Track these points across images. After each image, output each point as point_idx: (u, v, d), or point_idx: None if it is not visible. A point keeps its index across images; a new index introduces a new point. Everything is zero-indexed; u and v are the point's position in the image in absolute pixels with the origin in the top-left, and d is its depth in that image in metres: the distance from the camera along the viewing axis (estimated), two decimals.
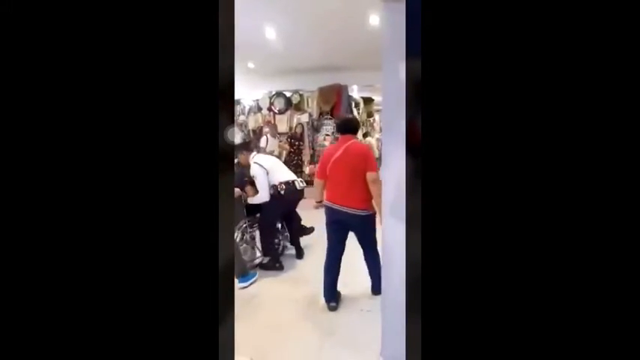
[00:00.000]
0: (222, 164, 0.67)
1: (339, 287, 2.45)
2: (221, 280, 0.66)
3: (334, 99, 6.62)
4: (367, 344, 1.93)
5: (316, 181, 2.53)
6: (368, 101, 7.34)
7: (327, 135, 6.85)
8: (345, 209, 2.25)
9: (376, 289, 2.38)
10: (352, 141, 2.32)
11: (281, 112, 7.03)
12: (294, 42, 5.30)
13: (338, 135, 2.57)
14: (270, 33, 4.88)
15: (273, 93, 7.08)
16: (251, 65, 6.54)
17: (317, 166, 2.69)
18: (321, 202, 2.60)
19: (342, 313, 2.37)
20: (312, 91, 6.87)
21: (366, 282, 2.51)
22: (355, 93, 7.32)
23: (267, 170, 3.18)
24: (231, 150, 0.77)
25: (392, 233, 1.76)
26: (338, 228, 2.33)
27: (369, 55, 3.95)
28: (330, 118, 6.80)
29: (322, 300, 2.42)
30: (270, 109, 7.10)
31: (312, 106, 6.90)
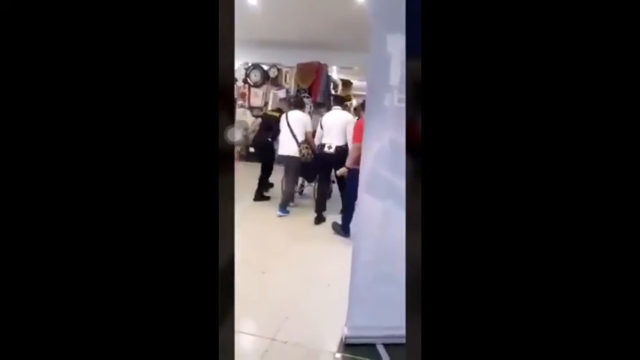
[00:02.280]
0: (222, 164, 0.66)
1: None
2: (221, 280, 0.65)
3: (312, 77, 6.45)
4: (332, 316, 2.01)
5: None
6: (347, 84, 7.19)
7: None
8: None
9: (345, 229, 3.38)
10: None
11: (257, 86, 6.81)
12: (276, 13, 5.10)
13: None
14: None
15: (250, 65, 6.83)
16: None
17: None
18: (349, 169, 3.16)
19: (307, 287, 2.46)
20: (290, 67, 6.68)
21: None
22: (335, 74, 7.19)
23: (322, 126, 3.83)
24: (232, 150, 0.75)
25: (366, 210, 1.87)
26: None
27: (351, 35, 3.88)
28: (307, 97, 6.64)
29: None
30: (245, 82, 6.86)
31: (290, 82, 6.72)
